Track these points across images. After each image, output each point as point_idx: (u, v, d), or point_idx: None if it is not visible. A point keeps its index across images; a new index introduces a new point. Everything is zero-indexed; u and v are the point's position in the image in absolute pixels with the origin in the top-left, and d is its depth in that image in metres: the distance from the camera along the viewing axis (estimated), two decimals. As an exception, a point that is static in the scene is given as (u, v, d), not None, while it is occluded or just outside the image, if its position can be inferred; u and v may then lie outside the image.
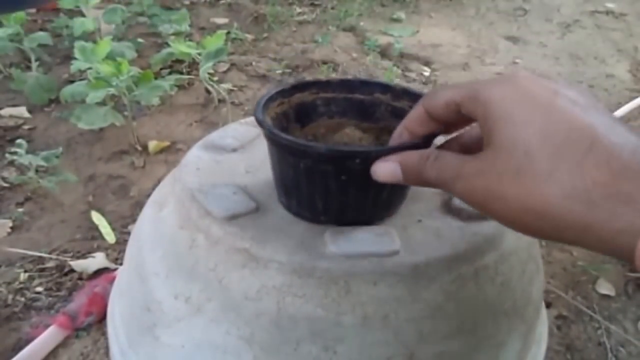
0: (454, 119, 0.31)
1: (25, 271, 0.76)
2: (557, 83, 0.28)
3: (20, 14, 1.27)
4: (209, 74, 1.23)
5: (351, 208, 0.39)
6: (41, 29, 1.55)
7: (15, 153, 0.91)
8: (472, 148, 0.33)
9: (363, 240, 0.38)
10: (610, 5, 2.32)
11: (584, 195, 0.24)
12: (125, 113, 1.08)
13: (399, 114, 0.39)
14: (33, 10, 1.84)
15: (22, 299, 0.71)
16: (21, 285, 0.73)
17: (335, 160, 0.35)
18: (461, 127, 0.34)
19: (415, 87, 1.43)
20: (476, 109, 0.28)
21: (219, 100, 1.28)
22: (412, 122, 0.34)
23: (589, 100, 0.27)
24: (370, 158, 0.34)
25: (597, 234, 0.24)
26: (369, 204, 0.39)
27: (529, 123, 0.26)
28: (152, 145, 1.08)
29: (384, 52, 1.69)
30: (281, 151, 0.37)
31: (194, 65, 1.41)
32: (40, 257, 0.78)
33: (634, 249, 0.23)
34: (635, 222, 0.23)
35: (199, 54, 1.22)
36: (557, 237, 0.26)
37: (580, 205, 0.24)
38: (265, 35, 1.76)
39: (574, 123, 0.25)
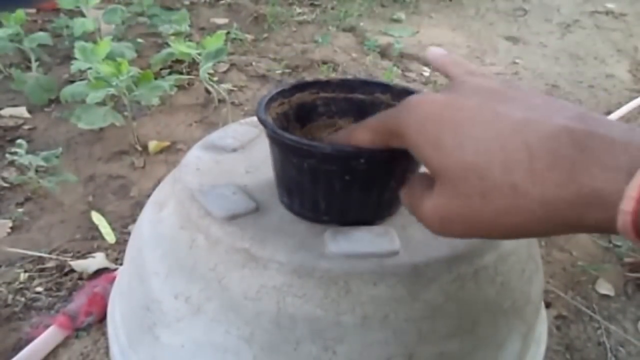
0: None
1: (25, 271, 0.76)
2: (458, 91, 0.28)
3: (20, 14, 1.27)
4: (209, 74, 1.23)
5: (354, 208, 0.39)
6: (41, 29, 1.55)
7: (15, 153, 0.91)
8: None
9: (363, 240, 0.38)
10: (610, 6, 2.32)
11: (555, 188, 0.23)
12: (125, 113, 1.08)
13: None
14: (33, 11, 1.84)
15: (22, 299, 0.71)
16: (21, 285, 0.73)
17: (340, 160, 0.35)
18: None
19: (415, 87, 1.43)
20: (403, 144, 0.29)
21: (219, 101, 1.28)
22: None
23: (494, 91, 0.27)
24: (375, 158, 0.34)
25: (582, 213, 0.23)
26: (371, 203, 0.39)
27: (461, 146, 0.26)
28: (152, 145, 1.08)
29: (383, 53, 1.69)
30: (284, 151, 0.37)
31: (194, 65, 1.41)
32: (40, 257, 0.78)
33: (614, 217, 0.22)
34: (603, 185, 0.22)
35: (199, 54, 1.22)
36: (546, 234, 0.25)
37: (559, 195, 0.23)
38: (265, 35, 1.76)
39: (499, 127, 0.25)
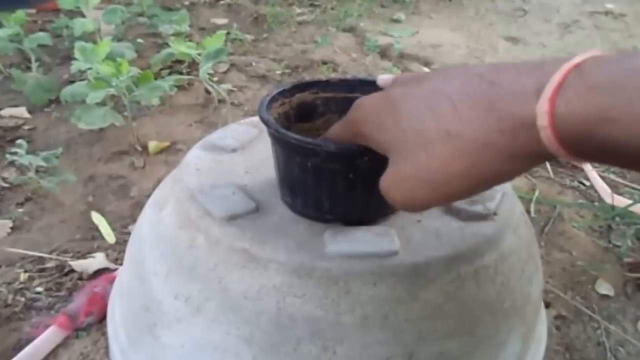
0: None
1: (25, 271, 0.76)
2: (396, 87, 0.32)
3: (20, 15, 1.27)
4: (208, 74, 1.23)
5: (357, 206, 0.39)
6: (41, 30, 1.55)
7: (15, 153, 0.91)
8: None
9: (363, 240, 0.38)
10: (609, 6, 2.32)
11: (480, 123, 0.26)
12: (125, 113, 1.08)
13: None
14: (33, 11, 1.84)
15: (22, 299, 0.71)
16: (21, 286, 0.73)
17: (344, 158, 0.35)
18: None
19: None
20: (361, 138, 0.33)
21: (219, 101, 1.28)
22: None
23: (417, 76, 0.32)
24: (379, 156, 0.35)
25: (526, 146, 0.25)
26: (375, 201, 0.39)
27: (397, 120, 0.30)
28: (152, 145, 1.08)
29: (383, 53, 1.69)
30: (288, 150, 0.37)
31: (193, 65, 1.41)
32: (40, 257, 0.78)
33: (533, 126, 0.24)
34: (518, 109, 0.25)
35: (199, 55, 1.22)
36: (498, 174, 0.27)
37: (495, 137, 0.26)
38: (265, 35, 1.76)
39: (424, 94, 0.29)
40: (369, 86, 0.44)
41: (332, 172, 0.36)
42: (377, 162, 0.35)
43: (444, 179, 0.28)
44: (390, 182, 0.31)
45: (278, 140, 0.38)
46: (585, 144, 0.23)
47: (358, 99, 0.33)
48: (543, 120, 0.24)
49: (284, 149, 0.38)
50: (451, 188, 0.28)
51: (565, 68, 0.24)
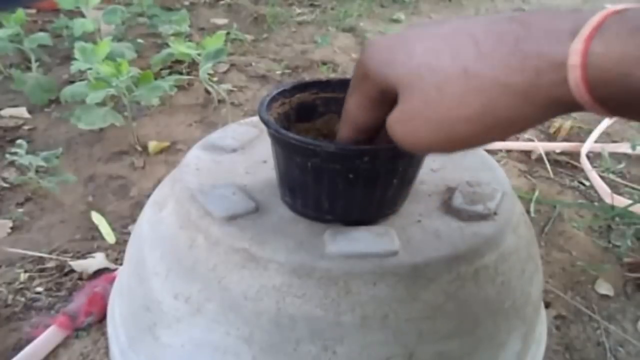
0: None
1: (25, 271, 0.76)
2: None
3: (20, 15, 1.27)
4: (208, 74, 1.23)
5: (357, 206, 0.39)
6: (41, 30, 1.55)
7: (15, 153, 0.91)
8: None
9: (362, 240, 0.38)
10: (609, 6, 2.32)
11: (503, 62, 0.24)
12: (125, 113, 1.08)
13: None
14: (33, 11, 1.84)
15: (22, 299, 0.71)
16: (21, 286, 0.73)
17: (345, 159, 0.35)
18: None
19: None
20: (371, 80, 0.30)
21: (219, 101, 1.28)
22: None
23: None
24: (379, 156, 0.35)
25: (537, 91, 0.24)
26: (375, 201, 0.39)
27: (411, 55, 0.28)
28: (152, 145, 1.08)
29: (383, 53, 1.69)
30: (288, 151, 0.37)
31: (193, 65, 1.41)
32: (40, 257, 0.78)
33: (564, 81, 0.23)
34: (549, 48, 0.23)
35: (199, 55, 1.22)
36: (509, 121, 0.26)
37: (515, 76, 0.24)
38: (265, 35, 1.76)
39: (443, 32, 0.27)
40: None
41: (332, 172, 0.36)
42: (377, 162, 0.35)
43: (452, 120, 0.26)
44: (396, 120, 0.29)
45: (278, 141, 0.38)
46: (614, 89, 0.22)
47: (368, 42, 0.31)
48: (574, 59, 0.22)
49: (284, 149, 0.38)
50: (458, 132, 0.26)
51: (605, 13, 0.23)
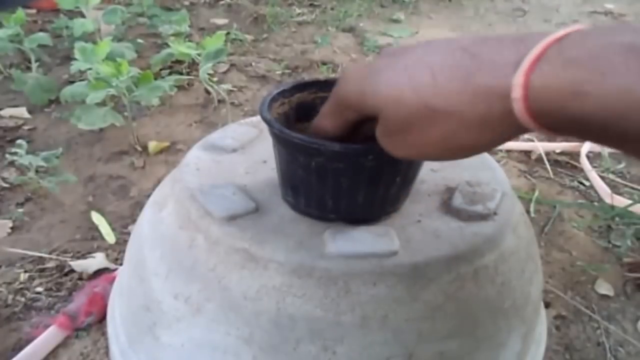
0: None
1: (25, 271, 0.76)
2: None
3: (20, 15, 1.27)
4: (208, 74, 1.23)
5: (360, 204, 0.39)
6: (41, 30, 1.55)
7: (15, 153, 0.91)
8: None
9: (362, 240, 0.38)
10: (609, 6, 2.32)
11: (457, 96, 0.27)
12: (125, 113, 1.08)
13: None
14: (33, 11, 1.84)
15: (22, 299, 0.71)
16: (21, 286, 0.73)
17: (349, 157, 0.35)
18: None
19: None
20: (349, 108, 0.34)
21: (219, 101, 1.28)
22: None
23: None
24: (383, 155, 0.35)
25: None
26: (378, 200, 0.39)
27: (377, 88, 0.30)
28: (152, 145, 1.08)
29: (383, 53, 1.69)
30: (291, 150, 0.37)
31: (193, 65, 1.41)
32: (40, 257, 0.78)
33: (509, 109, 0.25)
34: (495, 81, 0.25)
35: (199, 55, 1.22)
36: (475, 143, 0.28)
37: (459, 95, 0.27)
38: (264, 36, 1.76)
39: (406, 63, 0.30)
40: None
41: (335, 172, 0.36)
42: (381, 160, 0.35)
43: (421, 144, 0.29)
44: (380, 135, 0.32)
45: (281, 140, 0.38)
46: (556, 118, 0.24)
47: (342, 71, 0.34)
48: (516, 93, 0.24)
49: (287, 148, 0.38)
50: (428, 153, 0.30)
51: (546, 41, 0.24)
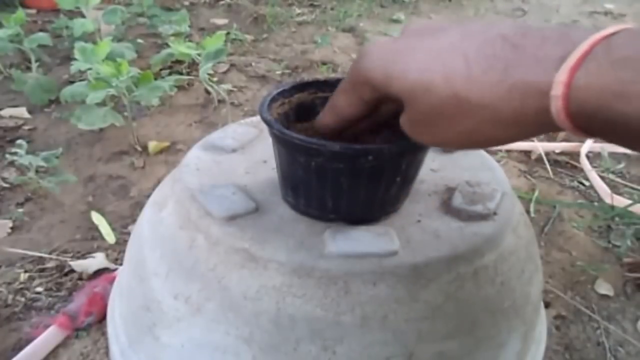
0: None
1: (25, 271, 0.76)
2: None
3: (20, 15, 1.27)
4: (208, 74, 1.23)
5: (360, 204, 0.39)
6: (41, 30, 1.56)
7: (15, 153, 0.91)
8: None
9: (362, 240, 0.38)
10: (608, 6, 2.33)
11: (491, 89, 0.25)
12: (125, 113, 1.08)
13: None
14: (33, 11, 1.84)
15: (22, 299, 0.71)
16: (21, 286, 0.73)
17: (348, 158, 0.35)
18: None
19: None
20: (369, 87, 0.31)
21: (219, 101, 1.28)
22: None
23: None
24: (384, 155, 0.35)
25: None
26: (378, 199, 0.39)
27: (405, 71, 0.29)
28: (152, 145, 1.08)
29: (383, 53, 1.69)
30: (291, 150, 0.37)
31: (193, 66, 1.41)
32: (40, 257, 0.78)
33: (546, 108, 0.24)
34: (536, 77, 0.24)
35: (199, 55, 1.22)
36: (500, 138, 0.27)
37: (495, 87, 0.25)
38: (264, 36, 1.76)
39: (439, 47, 0.28)
40: None
41: (335, 172, 0.36)
42: (381, 160, 0.35)
43: (446, 133, 0.28)
44: (404, 121, 0.31)
45: (281, 141, 0.38)
46: (595, 119, 0.23)
47: (364, 46, 0.32)
48: (557, 90, 0.23)
49: (287, 149, 0.38)
50: (451, 142, 0.29)
51: (594, 39, 0.23)
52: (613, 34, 0.23)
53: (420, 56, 0.28)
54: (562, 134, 1.22)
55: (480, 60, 0.26)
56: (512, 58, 0.25)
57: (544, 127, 0.25)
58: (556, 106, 0.23)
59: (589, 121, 0.23)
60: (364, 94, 0.32)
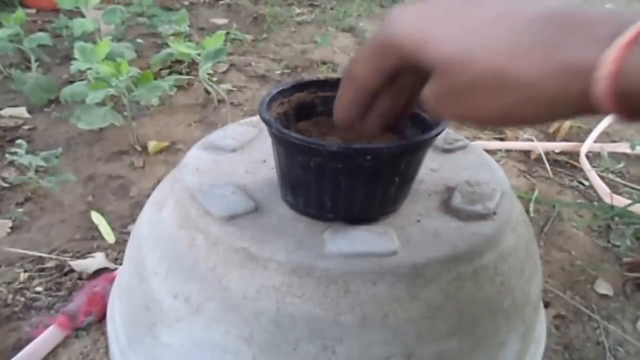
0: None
1: (25, 271, 0.76)
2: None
3: (20, 15, 1.27)
4: (208, 74, 1.23)
5: (360, 204, 0.39)
6: (41, 30, 1.56)
7: (15, 153, 0.91)
8: None
9: (362, 240, 0.38)
10: (608, 6, 2.32)
11: (538, 65, 0.24)
12: (125, 113, 1.09)
13: None
14: (33, 11, 1.84)
15: (22, 299, 0.71)
16: (21, 286, 0.73)
17: (347, 158, 0.35)
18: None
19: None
20: (396, 53, 0.29)
21: (219, 101, 1.28)
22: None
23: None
24: (382, 155, 0.35)
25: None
26: (377, 200, 0.39)
27: (444, 39, 0.27)
28: (152, 145, 1.08)
29: (383, 53, 1.69)
30: (290, 150, 0.37)
31: (193, 66, 1.41)
32: (40, 257, 0.78)
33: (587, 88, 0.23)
34: (585, 56, 0.23)
35: (199, 55, 1.22)
36: (535, 117, 0.26)
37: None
38: (264, 36, 1.77)
39: (482, 18, 0.27)
40: None
41: (334, 172, 0.36)
42: (380, 161, 0.35)
43: (480, 109, 0.27)
44: (430, 93, 0.29)
45: (280, 141, 0.38)
46: None
47: (393, 11, 0.30)
48: (605, 69, 0.22)
49: (287, 149, 0.38)
50: (482, 118, 0.28)
51: None
52: None
53: (461, 24, 0.27)
54: (562, 134, 1.22)
55: (527, 36, 0.25)
56: (561, 36, 0.24)
57: (580, 110, 0.24)
58: (601, 87, 0.22)
59: (636, 102, 0.22)
60: (387, 61, 0.30)
